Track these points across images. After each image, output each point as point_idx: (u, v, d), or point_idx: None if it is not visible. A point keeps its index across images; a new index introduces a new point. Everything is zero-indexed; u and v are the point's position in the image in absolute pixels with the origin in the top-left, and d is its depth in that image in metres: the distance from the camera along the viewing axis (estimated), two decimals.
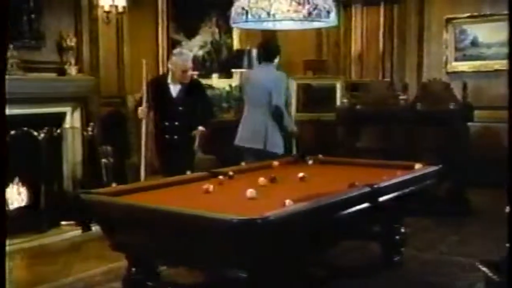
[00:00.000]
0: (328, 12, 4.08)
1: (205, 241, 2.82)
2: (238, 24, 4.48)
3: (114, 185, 3.88)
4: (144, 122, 5.24)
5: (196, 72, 6.11)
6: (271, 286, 2.94)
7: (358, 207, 3.40)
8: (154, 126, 5.43)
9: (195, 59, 6.02)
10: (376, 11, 8.55)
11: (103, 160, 5.87)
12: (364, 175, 3.94)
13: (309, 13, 3.96)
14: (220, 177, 3.98)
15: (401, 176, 4.01)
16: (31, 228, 5.35)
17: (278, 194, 3.39)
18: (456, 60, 8.03)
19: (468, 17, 7.88)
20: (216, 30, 7.82)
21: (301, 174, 4.03)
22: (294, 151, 5.41)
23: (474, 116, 6.37)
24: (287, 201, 3.05)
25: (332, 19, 4.29)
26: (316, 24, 4.55)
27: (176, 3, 7.11)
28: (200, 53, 7.54)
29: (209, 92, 6.67)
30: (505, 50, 7.02)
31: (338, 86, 7.86)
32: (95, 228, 5.08)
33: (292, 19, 4.14)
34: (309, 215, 3.03)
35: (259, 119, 5.27)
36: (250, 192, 3.39)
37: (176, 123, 5.23)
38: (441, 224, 5.69)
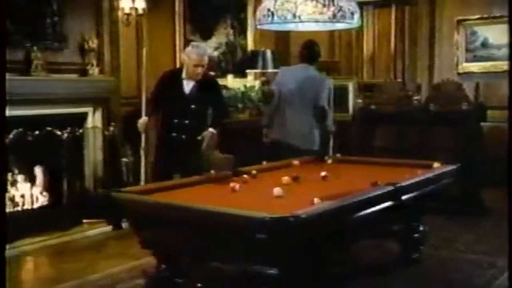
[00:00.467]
0: (352, 14, 4.12)
1: (237, 238, 2.87)
2: (263, 26, 4.52)
3: (142, 183, 3.95)
4: (143, 137, 5.09)
5: (212, 73, 6.15)
6: (300, 283, 2.98)
7: (382, 205, 3.47)
8: (160, 123, 5.10)
9: (211, 59, 5.86)
10: (387, 12, 8.62)
11: (124, 159, 5.97)
12: (384, 174, 3.97)
13: (334, 15, 4.02)
14: (244, 176, 4.04)
15: (422, 175, 4.07)
16: (54, 227, 5.42)
17: (303, 193, 3.45)
18: (467, 61, 8.08)
19: (478, 18, 7.93)
20: (231, 32, 7.88)
21: (323, 173, 4.06)
22: (331, 150, 5.51)
23: (487, 116, 6.45)
24: (316, 200, 3.10)
25: (356, 21, 4.33)
26: (340, 26, 4.59)
27: (192, 5, 7.18)
28: (215, 54, 7.61)
29: (224, 92, 6.70)
30: None
31: (351, 86, 7.93)
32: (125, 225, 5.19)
33: (317, 21, 4.20)
34: (338, 213, 3.09)
35: (303, 118, 5.33)
36: (277, 190, 3.42)
37: (186, 121, 4.86)
38: (455, 223, 5.75)
